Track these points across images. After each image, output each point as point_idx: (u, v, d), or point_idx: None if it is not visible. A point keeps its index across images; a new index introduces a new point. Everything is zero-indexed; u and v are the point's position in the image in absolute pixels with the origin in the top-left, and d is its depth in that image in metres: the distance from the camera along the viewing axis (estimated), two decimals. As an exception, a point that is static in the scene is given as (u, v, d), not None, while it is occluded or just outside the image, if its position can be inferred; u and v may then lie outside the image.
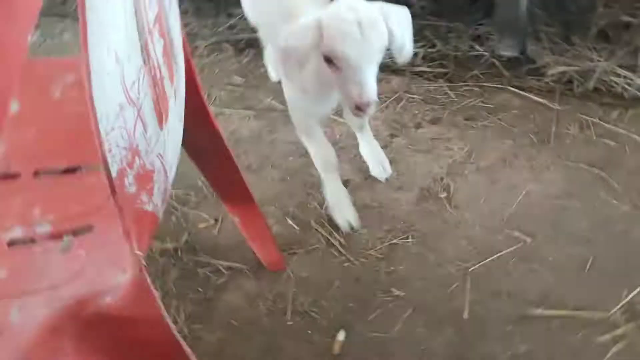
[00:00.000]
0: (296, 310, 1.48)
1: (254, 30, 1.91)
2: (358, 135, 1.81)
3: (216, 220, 1.75)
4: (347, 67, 1.26)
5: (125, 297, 0.74)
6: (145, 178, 0.72)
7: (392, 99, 2.02)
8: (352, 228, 1.66)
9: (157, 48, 0.77)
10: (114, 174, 0.64)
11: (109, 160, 0.63)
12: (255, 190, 1.78)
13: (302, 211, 1.72)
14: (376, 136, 1.87)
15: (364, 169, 1.80)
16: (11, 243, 0.87)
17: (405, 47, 1.35)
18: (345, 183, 1.76)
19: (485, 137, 1.85)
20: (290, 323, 1.46)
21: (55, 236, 0.90)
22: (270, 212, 1.72)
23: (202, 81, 1.19)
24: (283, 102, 1.96)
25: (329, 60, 1.28)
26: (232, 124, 2.04)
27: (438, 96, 2.02)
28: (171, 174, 0.85)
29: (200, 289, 1.57)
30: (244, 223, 1.48)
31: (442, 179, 1.74)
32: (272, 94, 2.09)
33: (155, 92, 0.76)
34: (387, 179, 1.77)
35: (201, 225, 1.73)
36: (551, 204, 1.63)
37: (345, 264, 1.57)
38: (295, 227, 1.68)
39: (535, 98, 1.94)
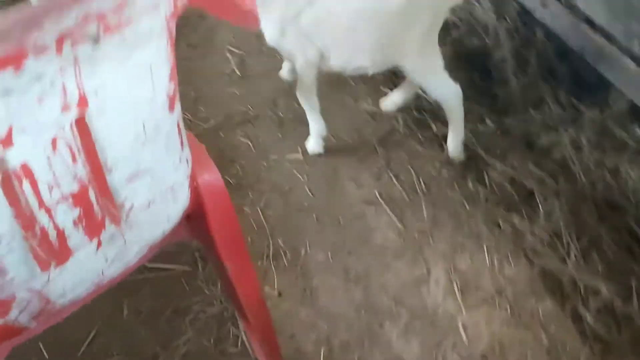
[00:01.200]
0: None
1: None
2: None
3: (280, 294, 1.83)
4: None
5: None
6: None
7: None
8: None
9: (59, 217, 0.91)
10: None
11: None
12: (323, 302, 1.82)
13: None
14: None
15: None
16: None
17: None
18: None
19: None
20: None
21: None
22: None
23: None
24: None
25: None
26: (373, 223, 2.03)
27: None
28: (65, 299, 1.03)
29: (217, 343, 1.70)
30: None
31: None
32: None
33: (43, 247, 0.92)
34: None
35: (266, 289, 1.84)
36: None
37: None
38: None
39: None
